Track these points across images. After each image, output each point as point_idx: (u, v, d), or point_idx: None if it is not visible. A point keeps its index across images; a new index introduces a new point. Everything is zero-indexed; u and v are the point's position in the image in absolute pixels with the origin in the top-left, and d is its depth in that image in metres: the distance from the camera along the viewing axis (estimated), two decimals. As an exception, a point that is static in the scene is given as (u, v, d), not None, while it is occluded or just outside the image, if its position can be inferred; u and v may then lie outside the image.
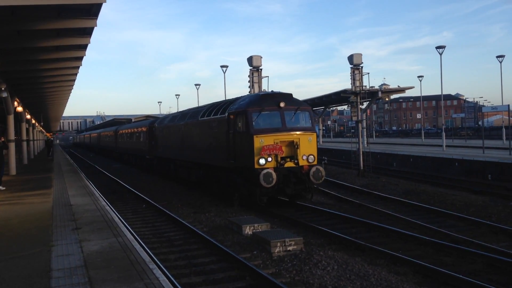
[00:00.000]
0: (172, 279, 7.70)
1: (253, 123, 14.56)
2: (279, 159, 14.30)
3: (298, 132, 14.70)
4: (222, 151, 16.34)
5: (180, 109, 51.66)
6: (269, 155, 14.17)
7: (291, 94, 15.81)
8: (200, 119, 19.36)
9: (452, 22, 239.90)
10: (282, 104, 14.84)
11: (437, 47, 33.37)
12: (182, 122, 22.50)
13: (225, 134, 16.00)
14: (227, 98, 18.97)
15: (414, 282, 8.14)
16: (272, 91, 16.47)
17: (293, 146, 14.51)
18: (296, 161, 14.46)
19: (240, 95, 18.81)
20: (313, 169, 14.41)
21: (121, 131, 45.09)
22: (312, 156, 14.69)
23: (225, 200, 17.42)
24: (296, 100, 15.75)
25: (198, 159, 19.76)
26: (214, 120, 17.54)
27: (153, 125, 30.35)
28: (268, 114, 14.87)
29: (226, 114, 16.14)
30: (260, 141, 14.19)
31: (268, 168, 13.88)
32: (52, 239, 9.05)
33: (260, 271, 8.32)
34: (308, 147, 14.69)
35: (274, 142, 14.27)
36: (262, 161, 14.08)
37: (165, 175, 26.89)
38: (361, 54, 30.98)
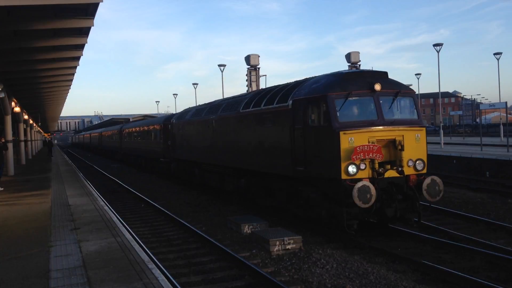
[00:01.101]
0: (171, 278, 7.70)
1: (337, 113, 10.36)
2: (376, 166, 10.14)
3: (401, 127, 10.54)
4: (283, 153, 12.08)
5: (179, 109, 49.20)
6: (362, 161, 10.04)
7: (386, 73, 11.60)
8: (242, 111, 14.80)
9: (449, 19, 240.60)
10: (377, 87, 10.52)
11: (435, 45, 33.40)
12: (213, 116, 17.67)
13: (289, 130, 11.75)
14: (279, 84, 14.54)
15: (413, 279, 8.14)
16: (357, 67, 12.69)
17: (394, 146, 10.39)
18: (400, 168, 10.27)
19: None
20: (427, 180, 10.34)
21: (127, 130, 40.01)
22: (421, 162, 10.55)
23: (224, 199, 17.41)
24: (395, 82, 11.43)
25: (238, 163, 15.19)
26: (268, 111, 12.99)
27: (169, 121, 25.56)
28: (358, 100, 10.68)
29: (290, 102, 11.80)
30: (349, 139, 10.10)
31: (362, 179, 9.91)
32: (50, 239, 9.05)
33: (259, 270, 8.32)
34: (415, 148, 10.55)
35: (369, 141, 10.15)
36: (352, 169, 9.95)
37: (187, 182, 22.73)
38: (358, 52, 31.02)
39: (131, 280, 6.35)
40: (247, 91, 31.71)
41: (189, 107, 23.79)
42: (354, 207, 9.87)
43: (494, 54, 39.93)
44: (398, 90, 10.99)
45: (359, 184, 9.67)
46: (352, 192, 9.59)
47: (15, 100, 28.44)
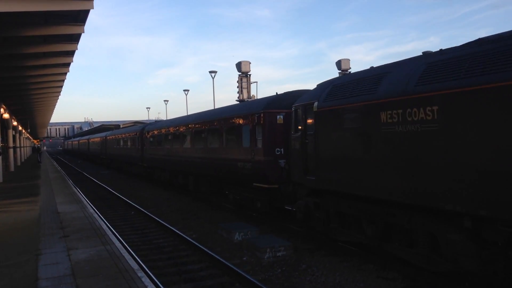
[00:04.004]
0: (161, 286, 7.66)
1: None
2: None
3: None
4: None
5: (170, 116, 43.45)
6: None
7: None
8: None
9: (439, 27, 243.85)
10: None
11: (424, 52, 33.71)
12: None
13: None
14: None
15: (402, 286, 8.18)
16: None
17: None
18: None
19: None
20: None
21: (154, 132, 27.37)
22: None
23: (216, 206, 17.37)
24: None
25: None
26: None
27: (283, 105, 13.78)
28: None
29: None
30: None
31: None
32: (39, 247, 8.96)
33: (249, 277, 8.31)
34: None
35: None
36: None
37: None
38: (349, 60, 31.44)
39: (121, 288, 6.32)
40: (238, 97, 31.82)
41: (375, 66, 10.07)
42: None
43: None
44: None
45: None
46: None
47: (4, 106, 28.23)
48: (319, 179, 10.42)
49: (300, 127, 11.44)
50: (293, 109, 11.99)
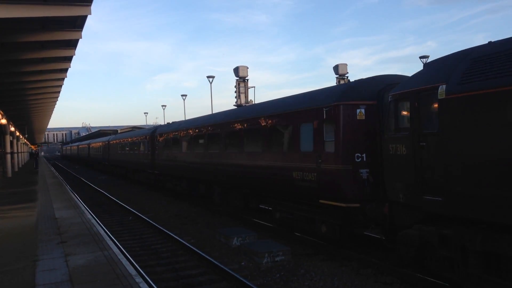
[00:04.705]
0: (159, 292, 7.64)
1: None
2: None
3: None
4: None
5: (168, 121, 38.88)
6: None
7: None
8: None
9: (436, 32, 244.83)
10: None
11: (421, 57, 33.91)
12: None
13: None
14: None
15: (401, 291, 8.17)
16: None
17: None
18: None
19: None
20: None
21: (169, 134, 23.29)
22: None
23: (213, 211, 17.36)
24: None
25: None
26: None
27: None
28: None
29: None
30: None
31: None
32: (37, 253, 8.94)
33: (248, 282, 8.30)
34: None
35: None
36: None
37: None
38: (346, 64, 31.57)
39: (119, 294, 6.30)
40: (235, 102, 31.87)
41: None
42: None
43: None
44: None
45: None
46: None
47: (2, 112, 28.20)
48: (452, 200, 7.11)
49: (404, 125, 8.41)
50: (390, 99, 8.82)
